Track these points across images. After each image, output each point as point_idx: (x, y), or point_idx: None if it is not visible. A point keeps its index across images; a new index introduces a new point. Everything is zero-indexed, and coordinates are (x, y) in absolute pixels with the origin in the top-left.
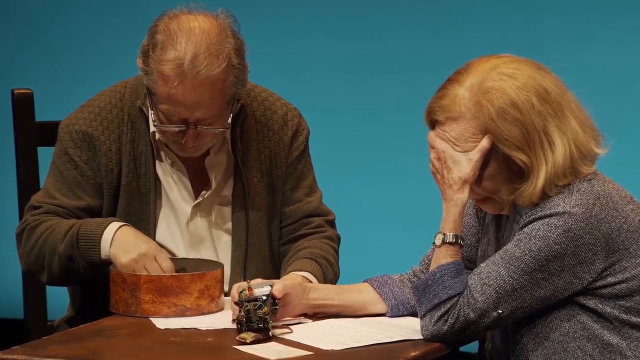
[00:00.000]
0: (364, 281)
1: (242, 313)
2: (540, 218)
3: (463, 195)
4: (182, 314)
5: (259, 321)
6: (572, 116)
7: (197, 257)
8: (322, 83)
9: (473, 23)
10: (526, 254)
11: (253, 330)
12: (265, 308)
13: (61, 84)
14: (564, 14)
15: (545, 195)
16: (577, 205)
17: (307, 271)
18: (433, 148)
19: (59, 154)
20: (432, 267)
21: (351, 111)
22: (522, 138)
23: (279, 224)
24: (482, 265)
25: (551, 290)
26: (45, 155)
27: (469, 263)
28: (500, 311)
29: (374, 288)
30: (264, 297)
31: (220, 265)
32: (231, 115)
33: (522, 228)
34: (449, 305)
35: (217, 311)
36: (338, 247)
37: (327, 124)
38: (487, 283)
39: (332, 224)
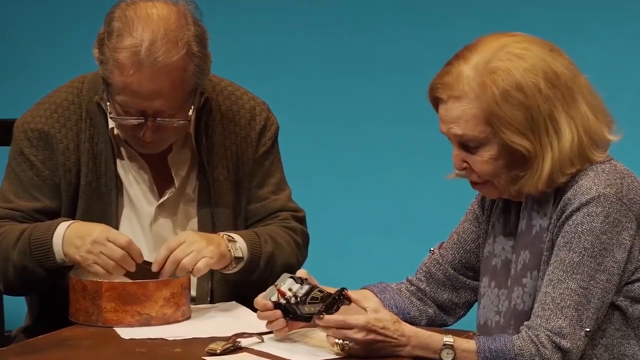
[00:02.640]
0: (363, 288)
1: (300, 294)
2: (578, 209)
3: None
4: (147, 323)
5: (306, 313)
6: (583, 101)
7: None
8: (301, 82)
9: (456, 22)
10: (584, 255)
11: (295, 316)
12: (322, 305)
13: (18, 80)
14: (551, 7)
15: (552, 182)
16: (608, 185)
17: (238, 234)
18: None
19: (14, 155)
20: None
21: (330, 112)
22: (526, 123)
23: (245, 223)
24: (545, 290)
25: (612, 289)
26: (3, 155)
27: (467, 270)
28: (587, 329)
29: (375, 294)
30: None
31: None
32: (193, 107)
33: (561, 225)
34: (524, 350)
35: (183, 320)
36: (302, 242)
37: (306, 125)
38: (565, 305)
39: (300, 220)
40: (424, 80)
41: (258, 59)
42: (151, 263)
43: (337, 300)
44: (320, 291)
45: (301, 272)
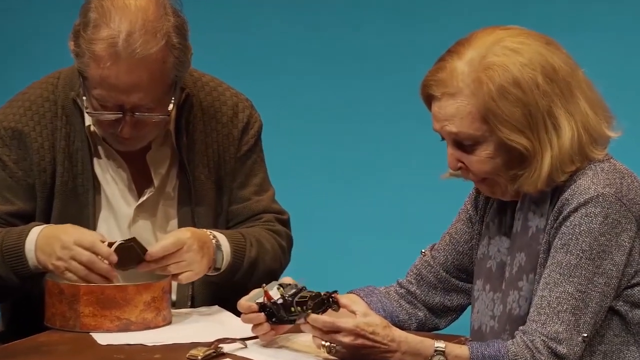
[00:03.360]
0: (349, 292)
1: (280, 299)
2: (576, 210)
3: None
4: (126, 328)
5: (291, 314)
6: (582, 97)
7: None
8: (286, 79)
9: (453, 18)
10: (581, 258)
11: (280, 319)
12: (309, 305)
13: None
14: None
15: (552, 181)
16: (607, 185)
17: (224, 236)
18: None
19: None
20: None
21: (318, 110)
22: (524, 120)
23: (226, 225)
24: (541, 293)
25: (610, 292)
26: None
27: (460, 273)
28: (585, 334)
29: (362, 297)
30: (311, 294)
31: (166, 275)
32: (173, 101)
33: (559, 226)
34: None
35: (163, 325)
36: (286, 245)
37: (293, 123)
38: (561, 309)
39: (284, 222)
40: (418, 78)
41: (241, 54)
42: (132, 240)
43: (325, 303)
44: (310, 292)
45: (287, 279)
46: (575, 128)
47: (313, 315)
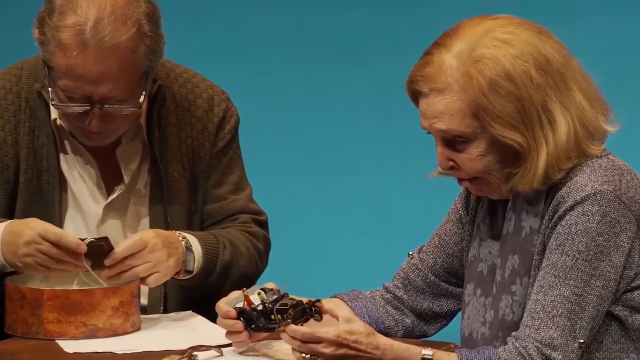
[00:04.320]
0: (333, 296)
1: (260, 305)
2: (572, 208)
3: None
4: (93, 334)
5: (270, 322)
6: (578, 88)
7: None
8: (264, 69)
9: (440, 3)
10: (578, 259)
11: (259, 327)
12: (290, 313)
13: None
14: None
15: (548, 179)
16: (606, 182)
17: (196, 238)
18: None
19: None
20: None
21: (297, 101)
22: (518, 115)
23: (201, 225)
24: (535, 297)
25: (608, 296)
26: None
27: (450, 276)
28: (581, 340)
29: (346, 302)
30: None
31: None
32: (144, 93)
33: (554, 226)
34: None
35: (132, 331)
36: (263, 248)
37: (270, 117)
38: (556, 314)
39: (262, 224)
40: (404, 66)
41: (216, 44)
42: (103, 239)
43: (307, 312)
44: (292, 299)
45: (270, 285)
46: (571, 122)
47: (292, 327)
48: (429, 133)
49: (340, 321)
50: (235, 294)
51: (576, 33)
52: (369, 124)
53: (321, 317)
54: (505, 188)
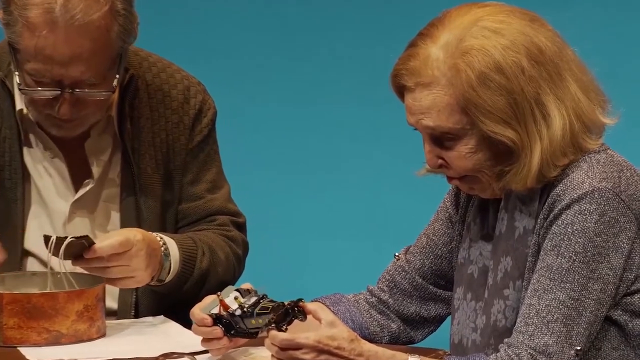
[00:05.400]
0: (314, 300)
1: (239, 310)
2: (568, 206)
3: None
4: (56, 341)
5: (251, 327)
6: (573, 79)
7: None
8: (242, 58)
9: None
10: (574, 261)
11: (239, 332)
12: (272, 316)
13: None
14: None
15: (543, 177)
16: (604, 179)
17: (175, 243)
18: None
19: None
20: None
21: (278, 93)
22: (509, 110)
23: (175, 225)
24: (529, 301)
25: (607, 300)
26: None
27: (438, 279)
28: (577, 347)
29: (328, 306)
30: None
31: (100, 280)
32: (117, 77)
33: (549, 225)
34: None
35: (97, 337)
36: (242, 253)
37: (249, 110)
38: (552, 319)
39: (240, 226)
40: (391, 58)
41: (190, 31)
42: (84, 238)
43: (290, 313)
44: (272, 301)
45: (246, 285)
46: (566, 116)
47: (271, 332)
48: (415, 129)
49: (323, 325)
50: (210, 299)
51: (569, 21)
52: (354, 117)
53: (305, 317)
54: (497, 187)
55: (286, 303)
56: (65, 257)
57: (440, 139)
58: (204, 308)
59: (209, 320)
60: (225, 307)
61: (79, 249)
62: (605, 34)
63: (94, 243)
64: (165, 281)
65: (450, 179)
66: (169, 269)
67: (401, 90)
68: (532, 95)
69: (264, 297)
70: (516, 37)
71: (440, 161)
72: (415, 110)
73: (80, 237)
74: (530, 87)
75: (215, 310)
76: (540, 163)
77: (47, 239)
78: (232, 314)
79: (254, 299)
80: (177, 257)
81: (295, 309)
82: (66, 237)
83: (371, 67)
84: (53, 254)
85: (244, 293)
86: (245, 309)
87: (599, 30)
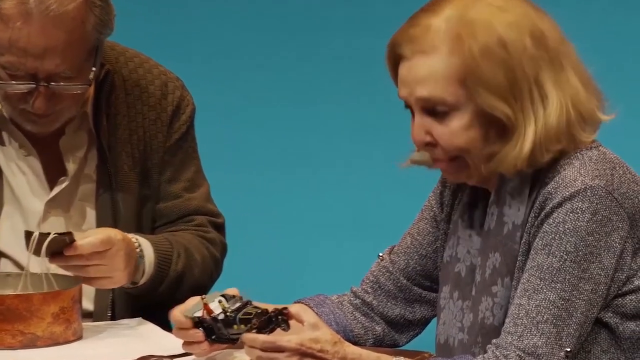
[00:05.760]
0: (297, 302)
1: (223, 314)
2: (560, 205)
3: None
4: (31, 344)
5: (233, 332)
6: (573, 70)
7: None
8: (226, 54)
9: None
10: (565, 260)
11: (220, 338)
12: (254, 322)
13: None
14: None
15: (534, 161)
16: (597, 176)
17: (148, 241)
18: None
19: None
20: None
21: (263, 91)
22: (508, 85)
23: (152, 224)
24: (518, 301)
25: (598, 301)
26: None
27: (424, 280)
28: (567, 349)
29: (311, 308)
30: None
31: (77, 281)
32: (93, 70)
33: (540, 224)
34: None
35: (74, 340)
36: (220, 255)
37: (232, 107)
38: (541, 320)
39: (219, 227)
40: (379, 51)
41: (168, 25)
42: (67, 234)
43: (273, 321)
44: (256, 308)
45: (232, 291)
46: (563, 102)
47: (250, 335)
48: (406, 107)
49: (306, 327)
50: (193, 301)
51: (565, 18)
52: (338, 115)
53: (288, 327)
54: (485, 169)
55: (270, 310)
56: (38, 254)
57: (432, 113)
58: (187, 310)
59: (188, 323)
60: (209, 311)
61: (59, 246)
62: (601, 33)
63: (74, 240)
64: (139, 284)
65: (436, 161)
66: (143, 272)
67: (396, 62)
68: (531, 75)
69: (249, 303)
70: (521, 17)
71: (428, 138)
72: (409, 81)
73: (63, 233)
74: (530, 66)
75: (198, 314)
76: (533, 144)
77: (28, 234)
78: (215, 318)
79: (238, 304)
80: (152, 259)
81: (280, 317)
82: (49, 233)
83: (358, 64)
84: (34, 252)
85: (229, 298)
86: (228, 314)
87: (595, 29)
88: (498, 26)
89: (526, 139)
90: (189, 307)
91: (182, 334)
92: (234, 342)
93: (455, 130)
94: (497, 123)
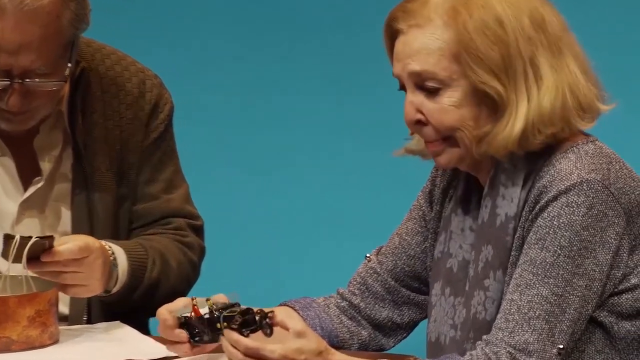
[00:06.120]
0: (282, 304)
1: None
2: (555, 198)
3: None
4: (7, 348)
5: (216, 331)
6: (573, 58)
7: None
8: (205, 49)
9: None
10: (559, 255)
11: (203, 339)
12: (238, 320)
13: None
14: None
15: (526, 143)
16: (593, 170)
17: (121, 248)
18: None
19: None
20: None
21: (244, 86)
22: (501, 62)
23: (129, 227)
24: (510, 297)
25: (592, 298)
26: None
27: (412, 281)
28: (560, 346)
29: (297, 311)
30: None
31: (53, 284)
32: (69, 66)
33: (534, 218)
34: None
35: (50, 344)
36: (198, 260)
37: (211, 104)
38: (533, 315)
39: (197, 230)
40: (361, 41)
41: (142, 21)
42: (48, 238)
43: (256, 322)
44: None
45: (219, 297)
46: (559, 86)
47: (234, 335)
48: (401, 89)
49: (291, 335)
50: (182, 302)
51: (567, 18)
52: (319, 109)
53: (271, 332)
54: (477, 151)
55: (256, 310)
56: (18, 260)
57: (425, 88)
58: (175, 310)
59: (174, 321)
60: (197, 313)
61: (37, 251)
62: (600, 30)
63: (53, 246)
64: (112, 292)
65: (428, 143)
66: (116, 280)
67: (393, 38)
68: (527, 55)
69: (236, 305)
70: (522, 0)
71: (419, 115)
72: (403, 55)
73: (45, 237)
74: (527, 46)
75: (186, 314)
76: (525, 124)
77: (8, 238)
78: (201, 317)
79: (228, 305)
80: (125, 267)
81: (264, 320)
82: (30, 237)
83: (339, 57)
84: (14, 260)
85: (219, 305)
86: (213, 311)
87: (594, 28)
88: (497, 5)
89: (517, 118)
90: (179, 307)
91: (166, 333)
92: (215, 340)
93: (446, 107)
94: (489, 102)
